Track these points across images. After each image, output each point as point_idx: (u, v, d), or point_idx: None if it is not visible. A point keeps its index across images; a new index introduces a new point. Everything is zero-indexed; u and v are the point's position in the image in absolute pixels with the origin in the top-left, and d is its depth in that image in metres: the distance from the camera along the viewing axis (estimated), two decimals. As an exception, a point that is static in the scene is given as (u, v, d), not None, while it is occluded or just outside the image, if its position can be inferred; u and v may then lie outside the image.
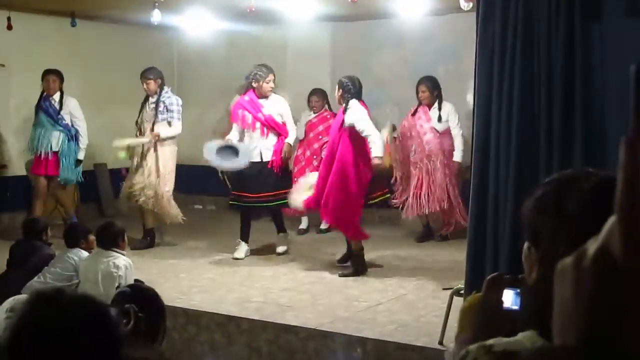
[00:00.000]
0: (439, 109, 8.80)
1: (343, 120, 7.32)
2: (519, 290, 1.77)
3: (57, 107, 9.27)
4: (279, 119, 8.18)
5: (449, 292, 5.57)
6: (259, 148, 8.10)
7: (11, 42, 9.74)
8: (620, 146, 0.67)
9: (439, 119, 8.75)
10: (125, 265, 5.93)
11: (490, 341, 1.22)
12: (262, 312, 6.18)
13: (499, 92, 5.17)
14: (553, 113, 4.96)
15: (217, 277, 7.43)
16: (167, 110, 8.63)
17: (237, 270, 7.69)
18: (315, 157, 9.46)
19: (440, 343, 5.23)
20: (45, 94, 9.31)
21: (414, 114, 8.93)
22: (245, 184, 8.02)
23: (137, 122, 8.89)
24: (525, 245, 1.48)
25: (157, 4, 8.58)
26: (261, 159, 8.08)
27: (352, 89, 7.34)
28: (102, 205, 10.89)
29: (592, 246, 0.68)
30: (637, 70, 0.68)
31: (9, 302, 4.35)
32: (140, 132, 8.82)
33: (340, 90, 7.41)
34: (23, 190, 10.14)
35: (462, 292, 5.21)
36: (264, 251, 8.46)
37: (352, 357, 5.57)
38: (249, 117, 8.11)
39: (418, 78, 9.00)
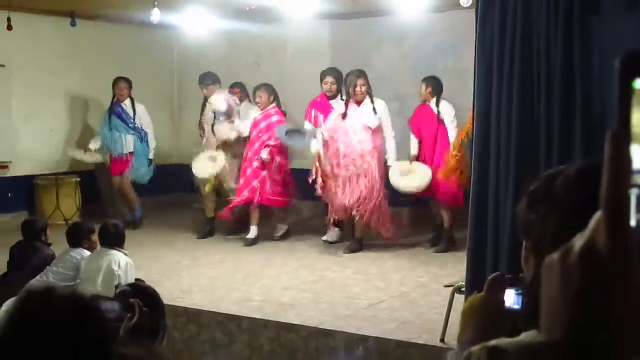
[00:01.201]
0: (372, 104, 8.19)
1: (438, 115, 8.26)
2: (520, 290, 1.77)
3: (130, 112, 10.01)
4: None
5: (450, 289, 5.57)
6: None
7: (11, 42, 9.75)
8: (606, 140, 0.67)
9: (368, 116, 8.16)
10: (126, 263, 5.95)
11: (493, 342, 1.21)
12: (263, 311, 6.18)
13: (499, 90, 5.16)
14: (553, 111, 4.95)
15: (219, 276, 7.43)
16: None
17: (238, 269, 7.69)
18: (256, 157, 8.83)
19: (442, 341, 5.23)
20: (116, 99, 10.00)
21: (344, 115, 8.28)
22: None
23: (199, 123, 9.71)
24: (523, 244, 1.49)
25: (156, 3, 8.60)
26: None
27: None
28: (103, 205, 10.89)
29: (579, 242, 0.68)
30: (622, 63, 0.68)
31: (9, 303, 4.34)
32: (203, 133, 9.55)
33: (430, 88, 8.35)
34: (24, 190, 10.16)
35: (464, 289, 5.21)
36: (265, 250, 8.47)
37: (353, 355, 5.57)
38: (322, 118, 8.64)
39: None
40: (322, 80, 8.85)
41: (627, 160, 0.67)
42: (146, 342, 3.00)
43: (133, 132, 10.00)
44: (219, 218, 9.10)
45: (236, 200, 8.85)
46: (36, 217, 8.68)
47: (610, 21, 4.72)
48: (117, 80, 9.98)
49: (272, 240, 8.95)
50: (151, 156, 10.15)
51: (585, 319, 0.67)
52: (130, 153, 9.99)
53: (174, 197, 11.01)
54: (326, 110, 8.60)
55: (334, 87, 8.76)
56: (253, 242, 8.81)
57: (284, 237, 9.08)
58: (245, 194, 8.77)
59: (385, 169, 8.28)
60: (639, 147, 0.68)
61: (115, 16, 10.54)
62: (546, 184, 1.44)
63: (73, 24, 9.94)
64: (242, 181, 8.89)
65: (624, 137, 0.68)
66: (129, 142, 9.99)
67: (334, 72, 8.88)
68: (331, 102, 8.70)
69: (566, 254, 0.68)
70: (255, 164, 8.82)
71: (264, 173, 8.79)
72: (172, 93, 12.09)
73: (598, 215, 0.67)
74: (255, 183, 8.76)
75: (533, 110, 5.06)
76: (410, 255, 8.12)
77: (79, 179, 10.40)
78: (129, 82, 10.01)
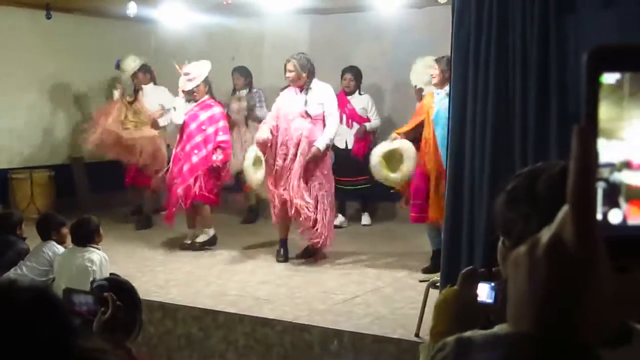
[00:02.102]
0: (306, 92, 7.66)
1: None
2: (493, 284, 1.78)
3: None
4: (363, 113, 9.32)
5: (425, 284, 5.59)
6: (344, 137, 9.11)
7: (-15, 34, 9.65)
8: (573, 135, 0.68)
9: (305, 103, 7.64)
10: (100, 259, 5.91)
11: (468, 333, 1.22)
12: (238, 306, 6.17)
13: (474, 85, 5.19)
14: (528, 106, 4.99)
15: (194, 270, 7.41)
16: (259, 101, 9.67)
17: (214, 263, 7.67)
18: (196, 151, 8.27)
19: (417, 335, 5.25)
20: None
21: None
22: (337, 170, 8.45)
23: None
24: (500, 240, 1.50)
25: (133, -4, 8.54)
26: (346, 146, 9.23)
27: None
28: (78, 199, 10.82)
29: (545, 235, 0.69)
30: (589, 57, 0.68)
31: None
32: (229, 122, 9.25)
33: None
34: (-1, 184, 10.09)
35: (438, 284, 5.24)
36: (241, 245, 8.46)
37: (328, 350, 5.58)
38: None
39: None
40: (341, 76, 9.33)
41: (593, 154, 0.68)
42: (119, 336, 3.00)
43: None
44: (167, 222, 8.45)
45: (172, 201, 8.27)
46: (11, 210, 8.60)
47: (585, 18, 4.76)
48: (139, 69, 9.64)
49: (191, 248, 8.22)
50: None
51: (552, 311, 0.67)
52: None
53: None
54: (343, 105, 8.93)
55: (352, 83, 9.31)
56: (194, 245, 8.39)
57: (206, 245, 8.30)
58: (180, 192, 8.15)
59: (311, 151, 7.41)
60: (606, 141, 0.69)
61: (91, 9, 10.45)
62: (526, 182, 1.45)
63: (48, 17, 9.84)
64: (179, 179, 8.21)
65: (590, 132, 0.68)
66: None
67: (353, 69, 9.37)
68: (348, 97, 9.29)
69: (533, 247, 0.69)
70: (195, 158, 8.20)
71: (200, 172, 8.16)
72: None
73: (564, 209, 0.68)
74: (191, 181, 8.15)
75: (508, 106, 5.09)
76: (386, 250, 8.14)
77: (53, 173, 10.32)
78: (150, 71, 9.79)
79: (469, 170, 5.23)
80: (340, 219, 9.21)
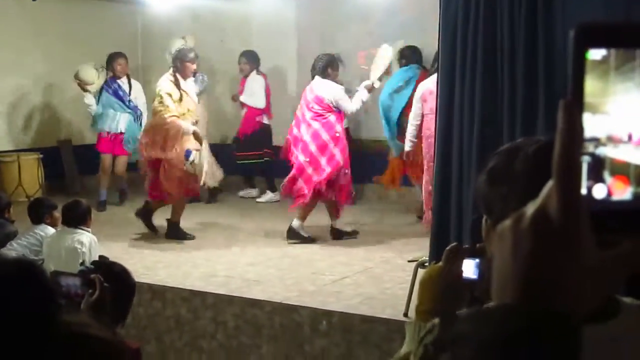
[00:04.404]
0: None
1: None
2: (478, 260, 1.79)
3: (127, 89, 9.72)
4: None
5: (413, 264, 5.62)
6: None
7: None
8: (558, 110, 0.68)
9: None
10: (90, 241, 5.93)
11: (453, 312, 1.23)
12: (227, 287, 6.19)
13: (462, 65, 5.19)
14: (516, 85, 5.00)
15: (183, 252, 7.42)
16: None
17: (202, 245, 7.67)
18: None
19: (405, 315, 5.28)
20: (111, 76, 9.69)
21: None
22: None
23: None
24: (483, 218, 1.51)
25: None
26: None
27: None
28: (67, 182, 10.79)
29: (530, 208, 0.69)
30: (576, 34, 0.69)
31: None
32: None
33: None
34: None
35: (427, 264, 5.26)
36: (230, 228, 8.47)
37: (318, 330, 5.61)
38: None
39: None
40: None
41: (579, 128, 0.68)
42: (105, 317, 2.99)
43: (129, 110, 9.70)
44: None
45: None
46: (-1, 193, 8.58)
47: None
48: (115, 56, 9.68)
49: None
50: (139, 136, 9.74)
51: (535, 283, 0.68)
52: (121, 132, 9.66)
53: (135, 175, 10.90)
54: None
55: (246, 67, 9.79)
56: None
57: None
58: None
59: None
60: (591, 116, 0.70)
61: (77, -9, 10.39)
62: (505, 161, 1.46)
63: (34, -1, 9.78)
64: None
65: (576, 106, 0.69)
66: (122, 121, 9.67)
67: (247, 53, 9.85)
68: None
69: (518, 220, 0.70)
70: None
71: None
72: (136, 70, 11.97)
73: (550, 183, 0.69)
74: None
75: (496, 86, 5.10)
76: (375, 230, 8.16)
77: (41, 155, 10.27)
78: (126, 58, 9.76)
79: (457, 149, 5.25)
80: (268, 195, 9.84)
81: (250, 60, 9.75)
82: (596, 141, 0.69)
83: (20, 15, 10.22)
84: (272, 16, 10.51)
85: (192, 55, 7.92)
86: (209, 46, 10.28)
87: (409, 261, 6.55)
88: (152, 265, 6.90)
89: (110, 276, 3.23)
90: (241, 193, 10.27)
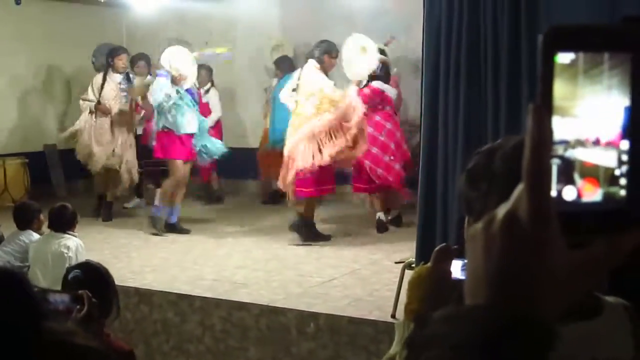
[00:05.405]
0: None
1: None
2: (466, 261, 1.80)
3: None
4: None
5: (400, 265, 5.62)
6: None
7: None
8: (528, 113, 0.69)
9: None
10: (76, 246, 5.90)
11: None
12: (214, 290, 6.18)
13: (446, 66, 5.21)
14: (500, 86, 5.02)
15: (170, 256, 7.40)
16: None
17: (190, 249, 7.67)
18: None
19: (393, 316, 5.28)
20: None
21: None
22: None
23: None
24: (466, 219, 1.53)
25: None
26: None
27: None
28: (53, 186, 10.76)
29: (502, 210, 0.70)
30: (545, 37, 0.70)
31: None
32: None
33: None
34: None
35: (414, 265, 5.27)
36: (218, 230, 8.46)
37: (305, 333, 5.60)
38: None
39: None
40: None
41: (548, 131, 0.69)
42: (94, 331, 2.99)
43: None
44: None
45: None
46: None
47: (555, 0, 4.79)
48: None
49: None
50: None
51: (506, 285, 0.69)
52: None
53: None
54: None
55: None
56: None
57: None
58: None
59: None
60: (560, 119, 0.70)
61: (61, -6, 10.36)
62: (484, 161, 1.47)
63: (17, 2, 9.73)
64: None
65: (545, 110, 0.70)
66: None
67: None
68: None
69: (489, 223, 0.70)
70: None
71: None
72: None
73: (520, 186, 0.69)
74: None
75: (480, 87, 5.12)
76: (362, 232, 8.17)
77: (26, 160, 10.24)
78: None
79: (442, 151, 5.26)
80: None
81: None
82: (565, 144, 0.70)
83: (3, 18, 10.18)
84: (257, 17, 10.51)
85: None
86: (194, 48, 10.26)
87: (396, 263, 6.55)
88: (139, 269, 6.89)
89: (95, 282, 3.25)
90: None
